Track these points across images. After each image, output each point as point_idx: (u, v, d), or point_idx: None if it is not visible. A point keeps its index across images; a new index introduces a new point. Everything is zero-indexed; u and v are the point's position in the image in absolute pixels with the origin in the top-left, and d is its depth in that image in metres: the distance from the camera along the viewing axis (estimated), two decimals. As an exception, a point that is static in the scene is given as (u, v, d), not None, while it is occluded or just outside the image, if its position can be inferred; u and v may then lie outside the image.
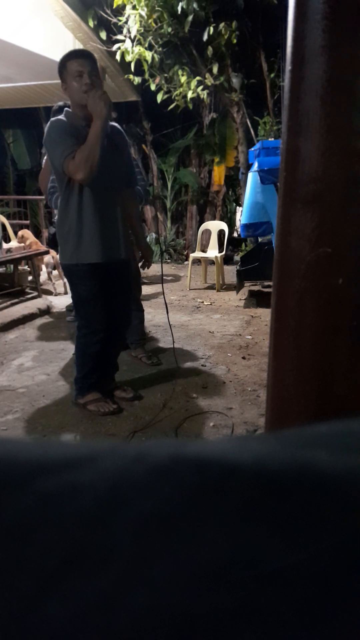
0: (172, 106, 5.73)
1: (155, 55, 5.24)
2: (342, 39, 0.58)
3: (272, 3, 5.45)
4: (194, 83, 5.41)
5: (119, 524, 0.15)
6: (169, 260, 7.51)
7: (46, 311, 4.40)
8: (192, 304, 4.79)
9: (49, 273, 5.14)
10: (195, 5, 4.96)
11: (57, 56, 2.19)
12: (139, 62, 5.13)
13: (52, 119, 2.14)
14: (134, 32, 4.94)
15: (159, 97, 5.64)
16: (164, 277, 6.07)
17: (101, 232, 2.19)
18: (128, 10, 4.92)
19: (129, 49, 4.97)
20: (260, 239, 4.92)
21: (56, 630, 0.13)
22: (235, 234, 7.60)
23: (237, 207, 7.67)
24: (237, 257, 6.32)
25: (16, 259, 4.63)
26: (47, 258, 5.07)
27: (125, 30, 5.04)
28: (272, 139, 5.30)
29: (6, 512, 0.15)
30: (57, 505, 0.16)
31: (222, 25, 5.25)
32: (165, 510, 0.16)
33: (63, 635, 0.13)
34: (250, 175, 4.18)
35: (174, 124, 7.69)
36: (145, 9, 4.89)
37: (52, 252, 4.84)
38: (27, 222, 6.92)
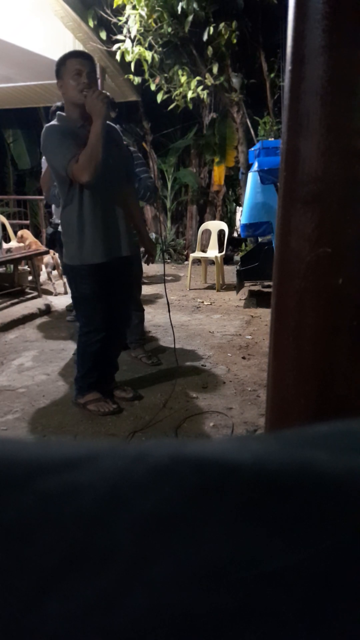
0: (172, 106, 5.73)
1: (155, 55, 5.24)
2: (342, 39, 0.58)
3: (272, 3, 5.45)
4: (194, 83, 5.41)
5: (119, 524, 0.15)
6: (169, 260, 7.51)
7: (46, 311, 4.40)
8: (192, 304, 4.79)
9: (49, 273, 5.14)
10: (195, 5, 4.96)
11: (57, 56, 2.19)
12: (139, 62, 5.13)
13: (46, 125, 2.13)
14: (134, 32, 4.94)
15: (159, 97, 5.64)
16: (165, 277, 6.07)
17: (105, 232, 2.20)
18: (128, 10, 4.91)
19: (129, 49, 4.97)
20: (260, 239, 4.92)
21: (56, 630, 0.13)
22: (235, 234, 7.60)
23: (237, 207, 7.67)
24: (237, 257, 6.32)
25: (16, 259, 4.63)
26: (47, 258, 5.07)
27: (125, 30, 5.04)
28: (272, 139, 5.30)
29: (6, 512, 0.15)
30: (57, 505, 0.16)
31: (222, 25, 5.25)
32: (165, 510, 0.16)
33: (63, 635, 0.13)
34: (250, 175, 4.18)
35: (174, 124, 7.69)
36: (145, 9, 4.89)
37: (52, 252, 4.84)
38: (27, 222, 6.92)
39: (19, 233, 5.42)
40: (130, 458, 0.18)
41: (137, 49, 5.01)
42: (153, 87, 5.58)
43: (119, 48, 4.97)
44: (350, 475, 0.17)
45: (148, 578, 0.14)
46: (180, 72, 5.48)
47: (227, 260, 6.54)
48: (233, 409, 2.50)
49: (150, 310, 4.19)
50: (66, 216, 2.20)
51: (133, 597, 0.13)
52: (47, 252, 4.93)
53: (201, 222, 7.38)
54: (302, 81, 0.60)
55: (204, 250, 5.85)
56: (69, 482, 0.16)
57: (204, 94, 5.55)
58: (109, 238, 2.22)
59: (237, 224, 7.25)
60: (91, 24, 5.10)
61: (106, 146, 2.05)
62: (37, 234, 6.53)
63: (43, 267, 5.18)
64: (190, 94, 5.45)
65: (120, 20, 5.07)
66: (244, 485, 0.16)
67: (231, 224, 7.73)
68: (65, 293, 4.90)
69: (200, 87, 5.47)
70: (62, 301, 4.70)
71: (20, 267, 5.02)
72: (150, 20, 5.03)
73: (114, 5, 4.86)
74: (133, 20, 4.90)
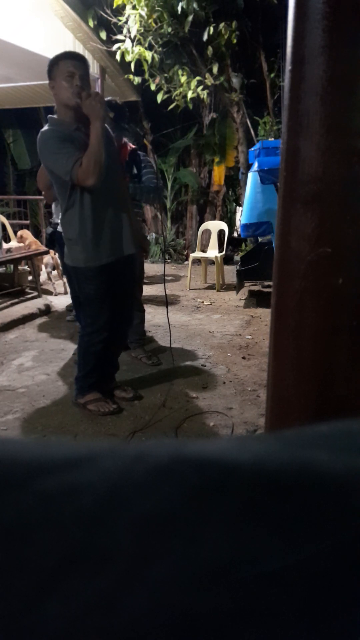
0: (172, 106, 5.73)
1: (155, 55, 5.24)
2: (342, 39, 0.58)
3: (272, 3, 5.45)
4: (194, 83, 5.42)
5: (119, 524, 0.15)
6: (169, 260, 7.51)
7: (46, 311, 4.40)
8: (192, 304, 4.79)
9: (49, 273, 5.14)
10: (195, 5, 4.96)
11: (57, 56, 2.18)
12: (139, 62, 5.13)
13: (41, 130, 2.10)
14: (134, 32, 4.94)
15: (159, 97, 5.64)
16: (165, 277, 6.07)
17: (108, 233, 2.19)
18: (128, 10, 4.92)
19: (129, 49, 4.97)
20: (260, 239, 4.93)
21: (56, 630, 0.13)
22: (235, 234, 7.60)
23: (237, 207, 7.68)
24: (237, 257, 6.32)
25: (16, 259, 4.63)
26: (46, 258, 5.07)
27: (125, 30, 5.04)
28: (272, 139, 5.30)
29: (6, 512, 0.15)
30: (57, 505, 0.16)
31: (222, 25, 5.25)
32: (165, 510, 0.16)
33: (63, 635, 0.13)
34: (250, 175, 4.19)
35: (174, 124, 7.69)
36: (145, 9, 4.89)
37: (52, 252, 4.84)
38: (27, 222, 6.92)
39: (19, 233, 5.42)
40: (130, 458, 0.18)
41: (137, 49, 5.01)
42: (153, 87, 5.58)
43: (119, 48, 4.97)
44: (350, 475, 0.17)
45: (148, 578, 0.14)
46: (180, 72, 5.48)
47: (227, 260, 6.54)
48: (233, 409, 2.50)
49: (150, 310, 4.19)
50: (68, 219, 2.19)
51: (133, 597, 0.13)
52: (47, 252, 4.93)
53: (201, 222, 7.38)
54: (302, 81, 0.60)
55: (204, 250, 5.85)
56: (69, 482, 0.16)
57: (204, 94, 5.55)
58: (112, 238, 2.22)
59: (237, 224, 7.25)
60: (91, 24, 5.10)
61: (105, 147, 2.05)
62: (37, 234, 6.53)
63: (43, 267, 5.18)
64: (190, 94, 5.45)
65: (120, 20, 5.07)
66: (244, 485, 0.16)
67: (231, 224, 7.73)
68: (65, 293, 4.90)
69: (200, 87, 5.47)
70: (62, 301, 4.70)
71: (20, 267, 5.02)
72: (150, 20, 5.03)
73: (114, 5, 4.86)
74: (133, 20, 4.90)
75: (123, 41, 4.99)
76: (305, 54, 0.59)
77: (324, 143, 0.59)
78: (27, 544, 0.15)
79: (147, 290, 5.02)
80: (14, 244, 5.38)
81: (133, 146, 3.03)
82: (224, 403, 2.56)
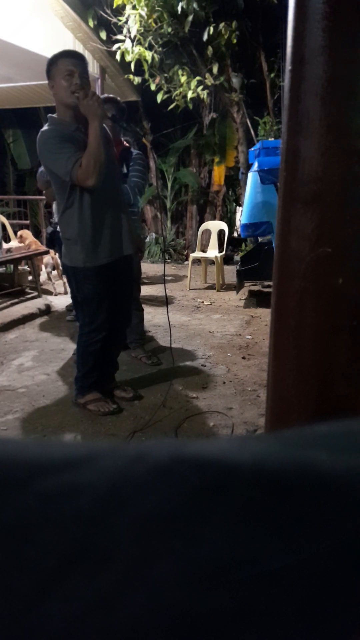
0: (172, 106, 5.73)
1: (155, 55, 5.24)
2: (342, 39, 0.58)
3: (272, 3, 5.45)
4: (194, 83, 5.41)
5: (119, 524, 0.15)
6: (169, 260, 7.51)
7: (46, 311, 4.40)
8: (192, 304, 4.79)
9: (49, 273, 5.14)
10: (195, 5, 4.96)
11: (57, 56, 2.18)
12: (139, 62, 5.13)
13: (41, 130, 2.09)
14: (134, 32, 4.94)
15: (159, 97, 5.64)
16: (164, 277, 6.07)
17: (106, 233, 2.19)
18: (128, 10, 4.92)
19: (129, 49, 4.97)
20: (260, 239, 4.93)
21: (56, 630, 0.13)
22: (235, 234, 7.60)
23: (237, 207, 7.68)
24: (237, 257, 6.32)
25: (16, 259, 4.63)
26: (46, 258, 5.07)
27: (125, 30, 5.04)
28: (272, 139, 5.30)
29: (6, 512, 0.15)
30: (57, 505, 0.16)
31: (222, 25, 5.25)
32: (165, 510, 0.16)
33: (63, 635, 0.13)
34: (250, 175, 4.19)
35: (174, 124, 7.69)
36: (145, 9, 4.89)
37: (52, 252, 4.84)
38: (27, 222, 6.93)
39: (19, 233, 5.42)
40: (130, 458, 0.18)
41: (137, 49, 5.01)
42: (153, 87, 5.58)
43: (119, 48, 4.97)
44: (350, 475, 0.17)
45: (148, 578, 0.14)
46: (180, 72, 5.48)
47: (227, 260, 6.54)
48: (233, 409, 2.50)
49: (150, 310, 4.19)
50: (67, 219, 2.18)
51: (133, 597, 0.13)
52: (47, 252, 4.93)
53: (201, 222, 7.38)
54: (302, 81, 0.60)
55: (204, 250, 5.85)
56: (69, 482, 0.16)
57: (204, 94, 5.55)
58: (110, 239, 2.21)
59: (237, 224, 7.25)
60: (91, 24, 5.10)
61: (103, 147, 2.04)
62: (37, 234, 6.53)
63: (43, 267, 5.19)
64: (190, 94, 5.45)
65: (120, 20, 5.07)
66: (244, 485, 0.16)
67: (231, 224, 7.73)
68: (65, 293, 4.90)
69: (200, 87, 5.47)
70: (62, 301, 4.70)
71: (20, 267, 5.02)
72: (150, 20, 5.03)
73: (114, 5, 4.86)
74: (133, 20, 4.90)
75: (123, 41, 4.99)
76: (305, 54, 0.59)
77: (324, 143, 0.59)
78: (27, 544, 0.15)
79: (147, 290, 5.02)
80: (14, 244, 5.38)
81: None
82: (224, 403, 2.56)
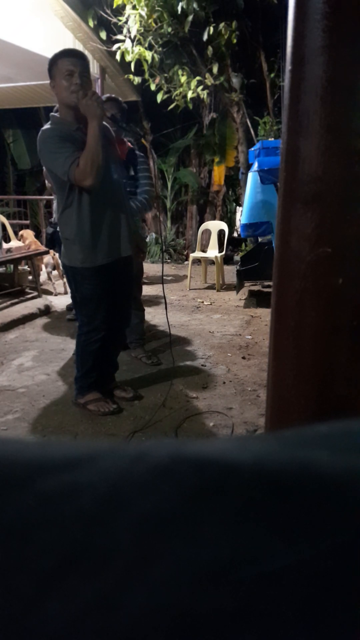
0: (172, 106, 5.73)
1: (155, 55, 5.24)
2: (342, 39, 0.58)
3: (272, 3, 5.46)
4: (194, 83, 5.42)
5: (119, 524, 0.15)
6: (169, 260, 7.51)
7: (46, 311, 4.40)
8: (192, 304, 4.79)
9: (49, 273, 5.14)
10: (195, 5, 4.96)
11: (57, 56, 2.18)
12: (139, 62, 5.13)
13: (42, 128, 2.10)
14: (134, 32, 4.94)
15: (159, 97, 5.64)
16: (164, 277, 6.07)
17: (105, 233, 2.19)
18: (128, 10, 4.92)
19: (129, 49, 4.97)
20: (260, 239, 4.93)
21: (56, 630, 0.13)
22: (235, 234, 7.61)
23: (237, 207, 7.68)
24: (237, 257, 6.32)
25: (16, 259, 4.63)
26: (47, 258, 5.07)
27: (125, 30, 5.04)
28: (272, 139, 5.30)
29: (6, 512, 0.15)
30: (57, 505, 0.16)
31: (222, 25, 5.25)
32: (165, 510, 0.16)
33: (63, 635, 0.13)
34: (250, 175, 4.19)
35: (174, 124, 7.70)
36: (145, 9, 4.89)
37: (52, 252, 4.84)
38: (27, 222, 6.93)
39: (20, 233, 5.42)
40: (130, 458, 0.18)
41: (137, 49, 5.01)
42: (153, 87, 5.58)
43: (119, 48, 4.97)
44: (350, 475, 0.17)
45: (148, 578, 0.14)
46: (180, 72, 5.48)
47: (227, 260, 6.54)
48: (233, 409, 2.50)
49: (150, 310, 4.19)
50: (66, 218, 2.18)
51: (133, 597, 0.13)
52: (47, 252, 4.93)
53: (201, 222, 7.38)
54: (302, 81, 0.60)
55: (204, 250, 5.85)
56: (69, 482, 0.16)
57: (204, 94, 5.55)
58: (109, 239, 2.21)
59: (237, 224, 7.25)
60: (91, 24, 5.10)
61: (103, 147, 2.04)
62: (37, 234, 6.54)
63: (43, 267, 5.19)
64: (190, 94, 5.45)
65: (120, 20, 5.07)
66: (244, 485, 0.16)
67: (231, 224, 7.73)
68: (65, 293, 4.90)
69: (200, 87, 5.47)
70: (62, 301, 4.70)
71: (20, 267, 5.03)
72: (150, 20, 5.03)
73: (114, 5, 4.86)
74: (133, 20, 4.90)
75: (123, 41, 4.99)
76: (305, 54, 0.59)
77: (324, 143, 0.59)
78: (27, 544, 0.15)
79: (147, 290, 5.02)
80: (14, 243, 5.38)
81: (130, 145, 3.03)
82: (224, 403, 2.56)
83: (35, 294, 4.79)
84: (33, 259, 4.89)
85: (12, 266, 4.83)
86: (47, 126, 2.11)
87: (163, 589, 0.14)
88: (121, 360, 2.68)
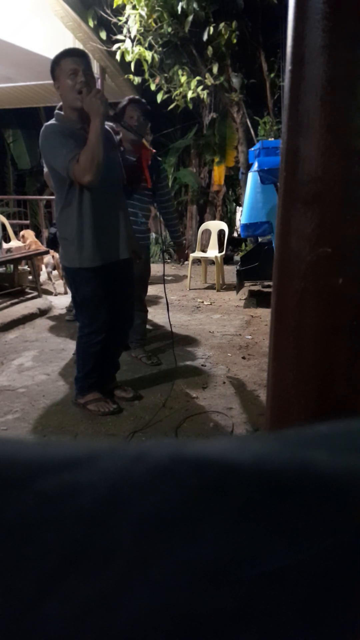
0: (172, 106, 5.72)
1: (155, 55, 5.24)
2: (342, 39, 0.58)
3: (272, 3, 5.46)
4: (194, 83, 5.42)
5: (119, 524, 0.15)
6: (169, 260, 7.51)
7: (46, 311, 4.40)
8: (192, 304, 4.79)
9: (49, 273, 5.14)
10: (195, 5, 4.96)
11: (57, 56, 2.18)
12: (139, 62, 5.13)
13: (45, 124, 2.10)
14: (134, 32, 4.94)
15: (159, 97, 5.64)
16: (164, 278, 6.07)
17: (104, 235, 2.18)
18: (128, 10, 4.91)
19: (129, 49, 4.97)
20: (260, 239, 4.92)
21: (56, 630, 0.13)
22: (235, 234, 7.61)
23: (237, 207, 7.68)
24: (237, 257, 6.32)
25: (16, 259, 4.63)
26: (47, 258, 5.07)
27: (125, 30, 5.04)
28: (272, 139, 5.30)
29: (6, 512, 0.15)
30: (57, 505, 0.16)
31: (222, 25, 5.25)
32: (165, 510, 0.16)
33: (63, 635, 0.13)
34: (250, 175, 4.18)
35: (174, 124, 7.70)
36: (145, 9, 4.89)
37: (52, 252, 4.84)
38: (27, 222, 6.93)
39: (21, 233, 5.42)
40: (130, 458, 0.18)
41: (137, 49, 5.01)
42: (153, 87, 5.58)
43: (119, 48, 4.97)
44: (350, 475, 0.17)
45: (148, 578, 0.14)
46: (180, 72, 5.48)
47: (227, 260, 6.54)
48: (233, 409, 2.50)
49: (150, 310, 4.18)
50: (64, 218, 2.18)
51: (133, 597, 0.13)
52: (47, 252, 4.93)
53: (201, 222, 7.38)
54: (302, 81, 0.60)
55: (204, 250, 5.85)
56: (69, 482, 0.16)
57: (204, 94, 5.55)
58: (108, 241, 2.21)
59: (237, 224, 7.25)
60: (91, 24, 5.10)
61: (104, 146, 2.04)
62: (37, 234, 6.54)
63: (43, 267, 5.18)
64: (190, 94, 5.45)
65: (120, 20, 5.07)
66: (244, 485, 0.16)
67: (231, 224, 7.73)
68: (65, 293, 4.90)
69: (200, 87, 5.47)
70: (62, 301, 4.70)
71: (20, 267, 5.03)
72: (150, 20, 5.03)
73: (114, 5, 4.86)
74: (133, 20, 4.90)
75: (123, 41, 4.99)
76: (305, 54, 0.59)
77: (324, 143, 0.59)
78: (27, 544, 0.15)
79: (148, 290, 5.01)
80: (14, 243, 5.38)
81: (153, 150, 2.96)
82: (224, 403, 2.56)
83: (35, 294, 4.79)
84: (33, 259, 4.89)
85: (12, 266, 4.83)
86: (50, 122, 2.11)
87: (163, 589, 0.14)
88: (121, 361, 2.68)
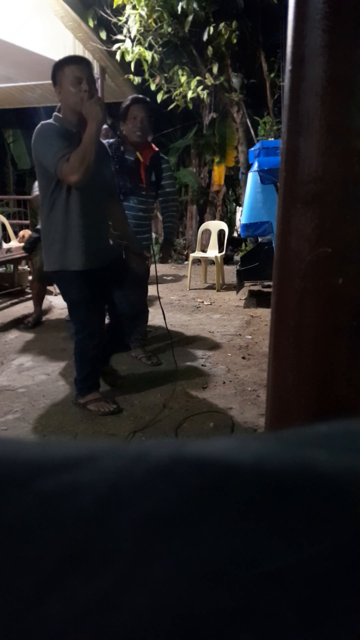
0: (172, 106, 5.73)
1: (155, 55, 5.24)
2: (342, 39, 0.58)
3: (272, 3, 5.46)
4: (194, 83, 5.42)
5: (119, 524, 0.15)
6: (169, 260, 7.52)
7: (46, 311, 4.40)
8: (192, 304, 4.79)
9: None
10: (195, 5, 4.96)
11: (57, 56, 2.19)
12: (139, 62, 5.13)
13: (42, 122, 2.11)
14: (134, 32, 4.94)
15: (159, 97, 5.64)
16: (164, 277, 6.08)
17: (87, 240, 2.17)
18: (128, 10, 4.92)
19: (129, 49, 4.97)
20: (260, 239, 4.93)
21: (56, 630, 0.13)
22: (235, 234, 7.61)
23: (237, 207, 7.68)
24: (237, 257, 6.32)
25: (16, 259, 4.63)
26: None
27: (125, 30, 5.04)
28: (272, 139, 5.30)
29: (6, 512, 0.15)
30: (57, 505, 0.16)
31: (222, 25, 5.25)
32: (165, 510, 0.16)
33: (63, 635, 0.13)
34: (250, 175, 4.19)
35: (174, 124, 7.70)
36: (145, 9, 4.89)
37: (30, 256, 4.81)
38: (27, 222, 6.92)
39: (21, 233, 5.42)
40: (130, 458, 0.18)
41: (137, 49, 5.01)
42: (153, 87, 5.58)
43: (119, 48, 4.97)
44: (350, 475, 0.17)
45: (148, 578, 0.14)
46: (180, 72, 5.48)
47: (227, 260, 6.54)
48: (233, 409, 2.50)
49: (150, 310, 4.19)
50: (49, 221, 2.17)
51: (133, 597, 0.13)
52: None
53: (201, 222, 7.38)
54: (302, 81, 0.60)
55: (204, 250, 5.85)
56: (69, 482, 0.16)
57: (204, 94, 5.55)
58: (91, 246, 2.19)
59: (237, 224, 7.25)
60: (91, 24, 5.10)
61: (97, 154, 2.04)
62: (37, 234, 6.53)
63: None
64: (190, 94, 5.45)
65: (120, 20, 5.07)
66: (244, 485, 0.16)
67: (231, 224, 7.74)
68: (65, 293, 4.89)
69: (200, 87, 5.47)
70: (62, 301, 4.67)
71: (20, 267, 5.02)
72: (150, 20, 5.03)
73: (114, 5, 4.86)
74: (133, 20, 4.90)
75: (123, 41, 4.99)
76: (305, 54, 0.59)
77: (324, 143, 0.59)
78: (27, 544, 0.15)
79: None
80: (14, 243, 5.38)
81: (155, 148, 2.91)
82: (224, 403, 2.56)
83: (35, 294, 4.79)
84: (33, 259, 4.89)
85: (12, 266, 4.83)
86: (48, 121, 2.12)
87: (163, 589, 0.14)
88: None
